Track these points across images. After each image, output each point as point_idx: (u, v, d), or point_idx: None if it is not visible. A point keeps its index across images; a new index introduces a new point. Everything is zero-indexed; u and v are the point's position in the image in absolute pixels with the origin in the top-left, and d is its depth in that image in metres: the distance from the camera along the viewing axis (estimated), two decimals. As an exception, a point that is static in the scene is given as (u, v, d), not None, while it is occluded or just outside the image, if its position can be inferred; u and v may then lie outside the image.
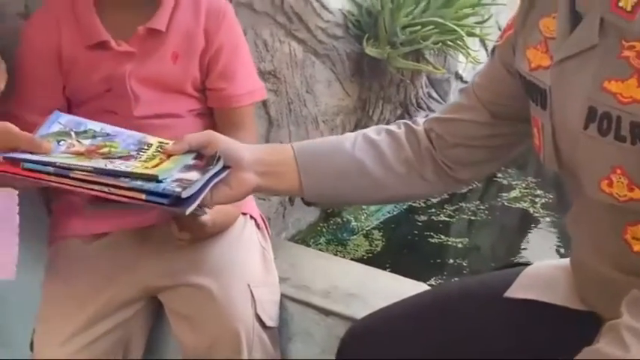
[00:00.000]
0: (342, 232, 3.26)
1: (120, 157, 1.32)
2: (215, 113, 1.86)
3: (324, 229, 3.27)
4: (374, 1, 3.05)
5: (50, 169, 1.27)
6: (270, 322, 1.74)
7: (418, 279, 1.98)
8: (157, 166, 1.30)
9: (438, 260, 3.18)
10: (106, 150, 1.34)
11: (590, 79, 1.12)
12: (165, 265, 1.74)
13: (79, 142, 1.36)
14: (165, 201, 1.24)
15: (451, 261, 3.17)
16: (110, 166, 1.28)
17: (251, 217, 1.88)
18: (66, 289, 1.72)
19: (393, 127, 1.45)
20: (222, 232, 1.77)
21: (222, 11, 1.82)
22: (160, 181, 1.25)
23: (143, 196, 1.24)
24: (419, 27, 3.00)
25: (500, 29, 3.91)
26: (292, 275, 1.95)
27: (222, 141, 1.33)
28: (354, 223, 3.31)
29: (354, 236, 3.26)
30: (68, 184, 1.27)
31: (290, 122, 2.88)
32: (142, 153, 1.35)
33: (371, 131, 1.44)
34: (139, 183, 1.25)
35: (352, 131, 1.47)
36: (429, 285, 2.04)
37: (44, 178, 1.28)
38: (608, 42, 1.11)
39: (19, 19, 1.78)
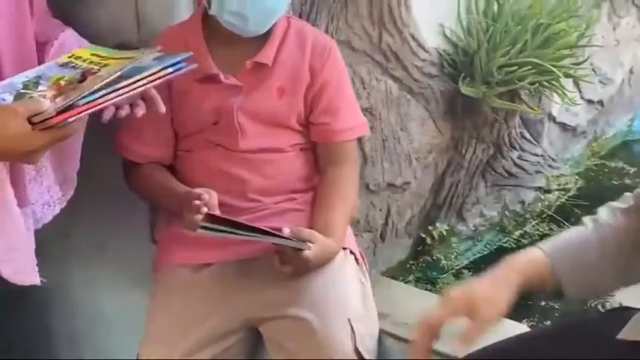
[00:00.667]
0: (431, 271, 3.23)
1: (82, 81, 1.37)
2: (317, 147, 1.89)
3: (413, 267, 3.24)
4: (470, 40, 3.05)
5: (102, 91, 1.33)
6: (370, 357, 1.73)
7: (509, 320, 1.95)
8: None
9: (529, 302, 3.12)
10: (64, 83, 1.38)
11: None
12: (266, 297, 1.75)
13: (39, 92, 1.37)
14: (183, 64, 1.44)
15: (542, 303, 3.11)
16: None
17: (351, 252, 1.88)
18: (171, 316, 1.74)
19: (621, 204, 1.44)
20: (323, 266, 1.77)
21: (327, 48, 1.85)
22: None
23: (170, 70, 1.41)
24: (515, 67, 2.98)
25: (594, 71, 3.89)
26: (391, 311, 1.95)
27: None
28: (443, 262, 3.28)
29: (444, 275, 3.22)
30: (124, 93, 1.36)
31: (384, 159, 2.89)
32: (92, 66, 1.42)
33: (604, 214, 1.43)
34: (155, 68, 1.40)
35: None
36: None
37: (103, 101, 1.34)
38: None
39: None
